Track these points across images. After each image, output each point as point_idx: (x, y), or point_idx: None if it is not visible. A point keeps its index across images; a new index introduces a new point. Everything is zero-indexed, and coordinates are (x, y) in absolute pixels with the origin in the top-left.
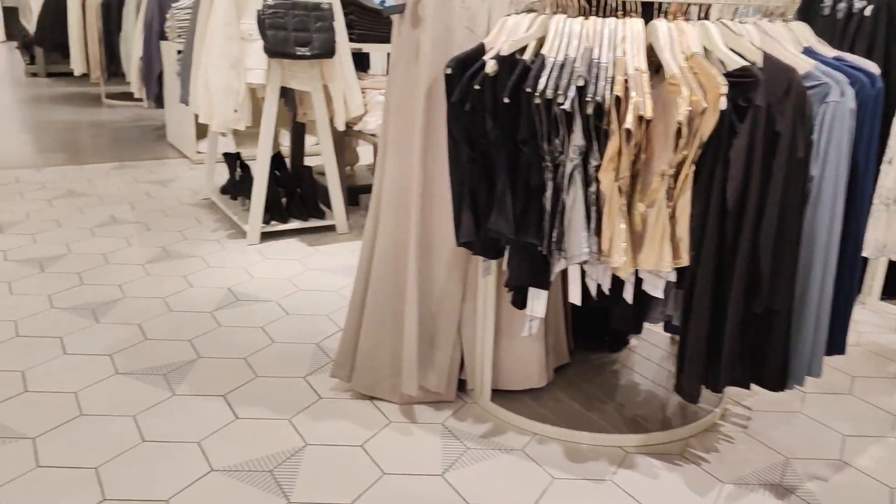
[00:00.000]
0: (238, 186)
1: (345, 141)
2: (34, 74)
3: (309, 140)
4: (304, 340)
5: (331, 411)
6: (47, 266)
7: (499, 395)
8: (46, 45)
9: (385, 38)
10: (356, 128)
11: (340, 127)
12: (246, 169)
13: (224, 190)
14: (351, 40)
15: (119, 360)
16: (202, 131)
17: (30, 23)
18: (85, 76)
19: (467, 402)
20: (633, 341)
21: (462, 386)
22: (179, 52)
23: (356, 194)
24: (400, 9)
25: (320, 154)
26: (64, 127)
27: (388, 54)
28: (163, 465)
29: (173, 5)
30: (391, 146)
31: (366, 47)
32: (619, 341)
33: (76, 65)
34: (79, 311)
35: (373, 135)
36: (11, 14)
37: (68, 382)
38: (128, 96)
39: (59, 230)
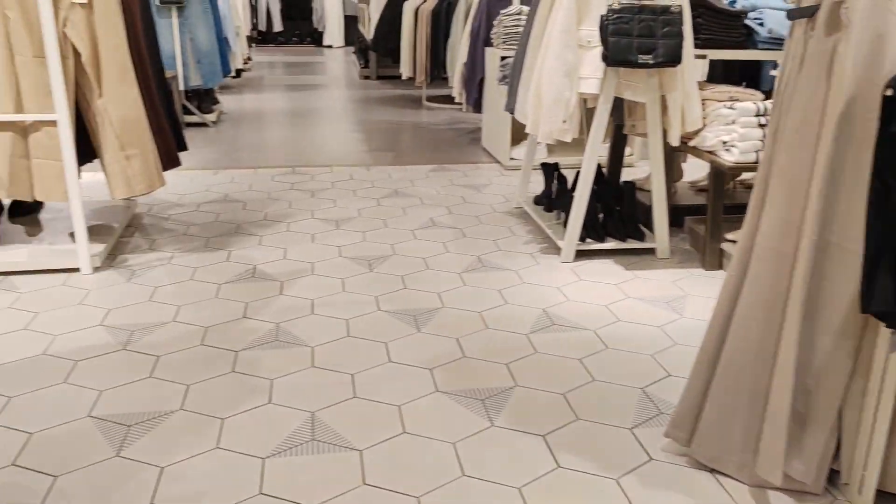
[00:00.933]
0: (553, 199)
1: (673, 156)
2: (367, 77)
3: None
4: (627, 382)
5: (664, 478)
6: (375, 266)
7: (884, 498)
8: (381, 50)
9: (733, 44)
10: (691, 143)
11: (675, 142)
12: (563, 181)
13: (538, 200)
14: (695, 46)
15: (439, 377)
16: (517, 138)
17: (367, 30)
18: (410, 80)
19: (838, 499)
20: None
21: (832, 478)
22: (503, 58)
23: (679, 215)
24: (811, 10)
25: (631, 166)
26: (389, 127)
27: (776, 64)
28: None
29: (501, 12)
30: (777, 179)
31: (711, 54)
32: None
33: (404, 69)
34: (402, 316)
35: (710, 152)
36: (351, 22)
37: (392, 394)
38: (446, 99)
39: (386, 230)
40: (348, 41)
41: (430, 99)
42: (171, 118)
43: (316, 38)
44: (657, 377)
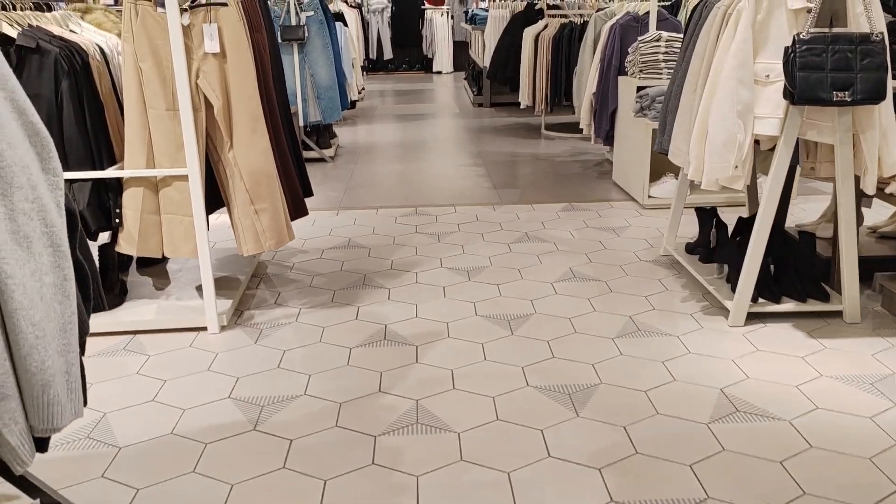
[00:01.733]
0: (713, 249)
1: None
2: (480, 105)
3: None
4: (848, 499)
5: None
6: (516, 327)
7: None
8: (499, 79)
9: None
10: (888, 190)
11: (870, 190)
12: (722, 228)
13: (691, 249)
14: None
15: (611, 480)
16: (655, 174)
17: (479, 57)
18: (528, 108)
19: None
20: None
21: None
22: (640, 88)
23: (868, 269)
24: None
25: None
26: (509, 160)
27: None
28: None
29: (639, 38)
30: None
31: None
32: None
33: (523, 97)
34: (555, 394)
35: None
36: (460, 47)
37: (560, 502)
38: (565, 128)
39: (522, 283)
40: (457, 66)
41: (549, 127)
42: (298, 163)
43: (425, 65)
44: (884, 491)
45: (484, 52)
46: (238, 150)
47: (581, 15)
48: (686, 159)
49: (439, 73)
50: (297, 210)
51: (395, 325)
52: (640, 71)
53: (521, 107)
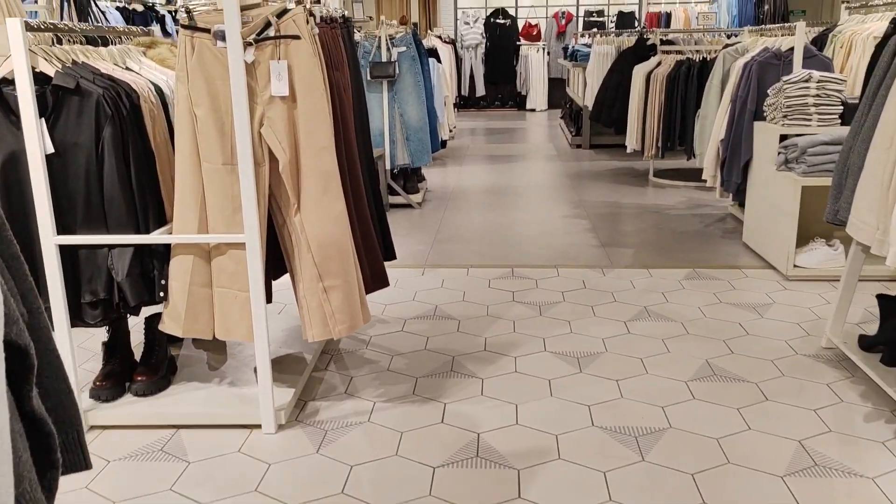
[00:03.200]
0: (893, 350)
1: None
2: (578, 146)
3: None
4: None
5: None
6: (646, 448)
7: None
8: (604, 120)
9: None
10: None
11: None
12: None
13: (868, 345)
14: None
15: None
16: (802, 238)
17: (578, 95)
18: (636, 152)
19: None
20: None
21: None
22: (785, 137)
23: None
24: None
25: None
26: (615, 211)
27: None
28: None
29: (783, 79)
30: None
31: None
32: None
33: (630, 141)
34: None
35: None
36: (556, 84)
37: None
38: (677, 175)
39: (648, 379)
40: (551, 104)
41: (658, 174)
42: (381, 224)
43: (518, 102)
44: None
45: (585, 90)
46: (306, 214)
47: (699, 51)
48: (874, 236)
49: (533, 110)
50: (376, 281)
51: (490, 434)
52: (785, 116)
53: (628, 150)
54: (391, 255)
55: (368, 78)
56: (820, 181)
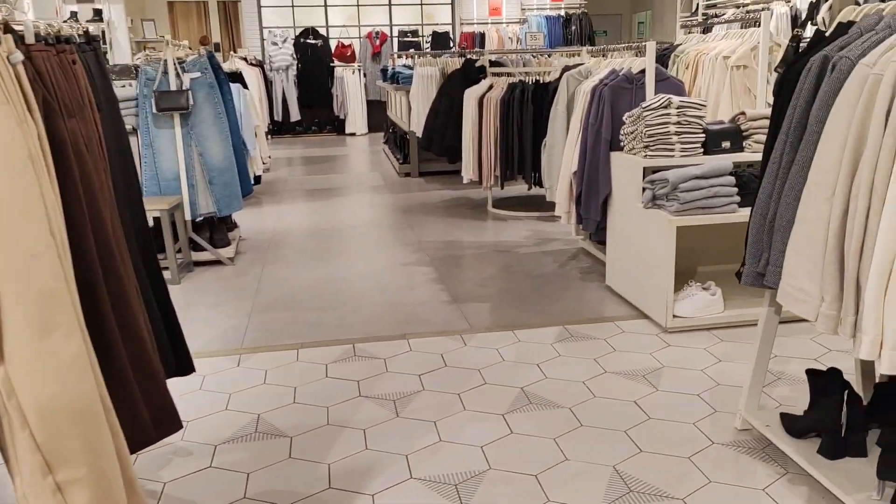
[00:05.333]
0: (848, 435)
1: None
2: (407, 174)
3: None
4: None
5: None
6: None
7: None
8: (436, 149)
9: None
10: None
11: None
12: (854, 401)
13: (796, 430)
14: None
15: None
16: (680, 282)
17: (401, 119)
18: (472, 182)
19: None
20: None
21: None
22: (655, 171)
23: None
24: None
25: None
26: (461, 254)
27: None
28: None
29: (642, 105)
30: None
31: None
32: None
33: (467, 171)
34: None
35: None
36: (375, 107)
37: None
38: (517, 204)
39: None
40: (372, 127)
41: (497, 204)
42: (167, 326)
43: (337, 126)
44: None
45: (410, 114)
46: (14, 368)
47: (528, 73)
48: (818, 310)
49: (353, 134)
50: (159, 426)
51: None
52: (647, 147)
53: (465, 181)
54: (185, 368)
55: (154, 111)
56: (697, 220)
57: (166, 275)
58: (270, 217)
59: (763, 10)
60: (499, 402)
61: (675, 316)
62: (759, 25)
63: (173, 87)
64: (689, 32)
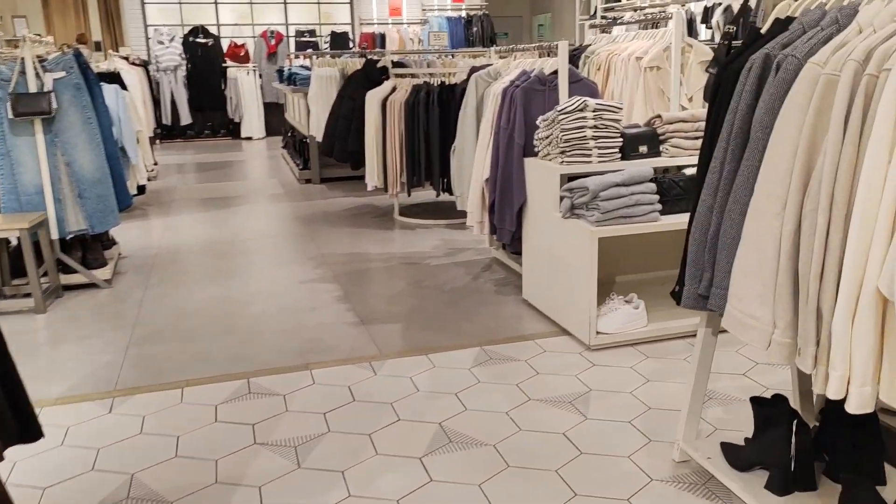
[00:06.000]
0: (798, 472)
1: None
2: (308, 181)
3: None
4: None
5: None
6: None
7: None
8: (337, 155)
9: None
10: None
11: None
12: (805, 435)
13: (741, 463)
14: None
15: None
16: (599, 295)
17: (300, 123)
18: (377, 189)
19: None
20: None
21: None
22: (571, 178)
23: None
24: None
25: None
26: (367, 268)
27: None
28: None
29: (557, 108)
30: None
31: None
32: None
33: (371, 178)
34: None
35: None
36: (272, 110)
37: None
38: (423, 211)
39: None
40: (270, 131)
41: (404, 212)
42: (6, 383)
43: (232, 130)
44: None
45: (308, 117)
46: None
47: (432, 74)
48: (769, 336)
49: (249, 139)
50: None
51: None
52: (563, 152)
53: (369, 188)
54: (31, 433)
55: (11, 116)
56: (619, 230)
57: (28, 303)
58: (156, 231)
59: (660, 14)
60: (415, 443)
61: (598, 332)
62: (658, 27)
63: (33, 89)
64: (605, 32)
